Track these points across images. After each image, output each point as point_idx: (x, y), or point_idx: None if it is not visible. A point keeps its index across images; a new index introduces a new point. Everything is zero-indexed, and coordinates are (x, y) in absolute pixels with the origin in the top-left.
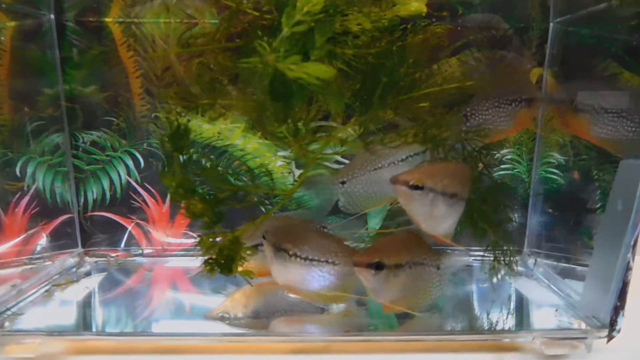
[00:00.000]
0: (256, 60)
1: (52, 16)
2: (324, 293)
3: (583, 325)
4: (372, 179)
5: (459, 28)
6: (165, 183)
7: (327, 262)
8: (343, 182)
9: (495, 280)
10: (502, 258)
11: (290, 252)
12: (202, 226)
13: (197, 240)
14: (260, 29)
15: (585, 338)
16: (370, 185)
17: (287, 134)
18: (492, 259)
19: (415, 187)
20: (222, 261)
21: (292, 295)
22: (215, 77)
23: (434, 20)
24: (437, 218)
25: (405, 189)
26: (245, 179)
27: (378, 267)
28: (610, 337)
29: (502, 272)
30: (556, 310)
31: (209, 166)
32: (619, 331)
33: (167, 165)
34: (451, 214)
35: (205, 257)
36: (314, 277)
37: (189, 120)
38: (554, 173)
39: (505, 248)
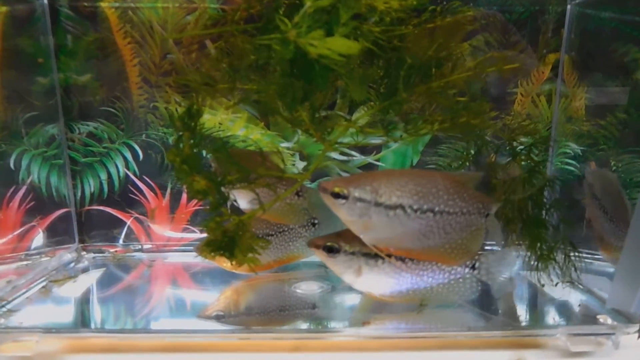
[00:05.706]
0: (276, 37)
1: (45, 1)
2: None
3: (610, 321)
4: None
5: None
6: (169, 159)
7: None
8: (314, 224)
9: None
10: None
11: None
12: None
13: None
14: (280, 8)
15: (613, 334)
16: None
17: (305, 118)
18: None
19: (337, 196)
20: (224, 244)
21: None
22: (234, 61)
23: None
24: (372, 229)
25: (328, 197)
26: None
27: (331, 250)
28: None
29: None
30: (579, 305)
31: (218, 146)
32: None
33: (175, 143)
34: (396, 226)
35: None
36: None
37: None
38: (570, 164)
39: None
